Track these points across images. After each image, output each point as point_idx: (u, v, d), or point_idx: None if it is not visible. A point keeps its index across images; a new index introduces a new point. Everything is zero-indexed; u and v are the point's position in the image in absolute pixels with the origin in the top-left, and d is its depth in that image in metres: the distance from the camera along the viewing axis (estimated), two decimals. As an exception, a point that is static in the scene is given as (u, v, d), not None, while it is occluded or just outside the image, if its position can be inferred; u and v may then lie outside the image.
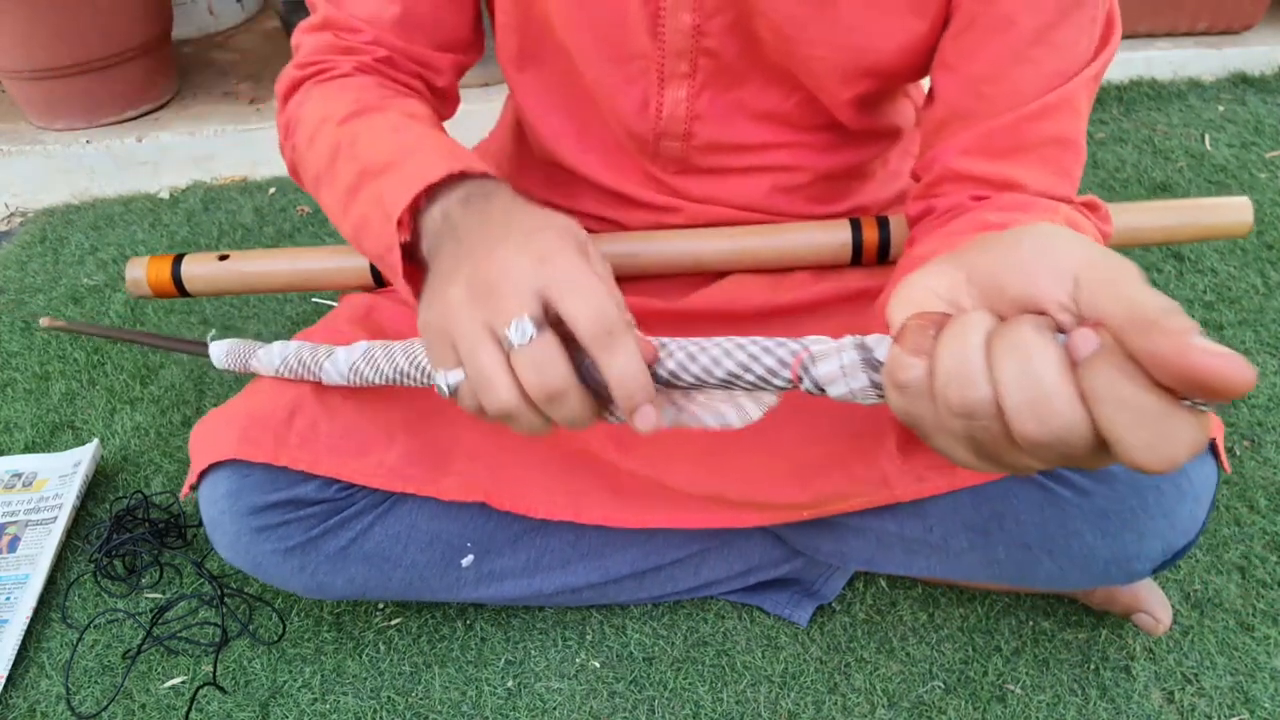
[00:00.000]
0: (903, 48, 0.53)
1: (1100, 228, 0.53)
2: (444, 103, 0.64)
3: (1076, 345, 0.27)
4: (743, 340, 0.37)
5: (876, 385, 0.34)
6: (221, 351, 0.60)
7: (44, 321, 0.64)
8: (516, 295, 0.37)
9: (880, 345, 0.34)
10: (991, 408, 0.28)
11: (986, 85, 0.50)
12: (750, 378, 0.37)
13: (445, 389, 0.39)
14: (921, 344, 0.31)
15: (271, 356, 0.57)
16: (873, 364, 0.34)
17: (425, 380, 0.47)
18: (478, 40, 0.63)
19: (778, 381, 0.37)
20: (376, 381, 0.51)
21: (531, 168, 0.70)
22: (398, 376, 0.49)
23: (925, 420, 0.31)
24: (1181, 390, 0.25)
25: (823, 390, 0.36)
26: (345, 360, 0.53)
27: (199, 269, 0.69)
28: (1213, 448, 0.56)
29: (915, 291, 0.34)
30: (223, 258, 0.69)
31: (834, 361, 0.35)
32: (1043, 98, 0.50)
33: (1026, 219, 0.46)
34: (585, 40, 0.56)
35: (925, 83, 0.59)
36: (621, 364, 0.36)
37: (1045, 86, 0.50)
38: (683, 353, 0.38)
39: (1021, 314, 0.29)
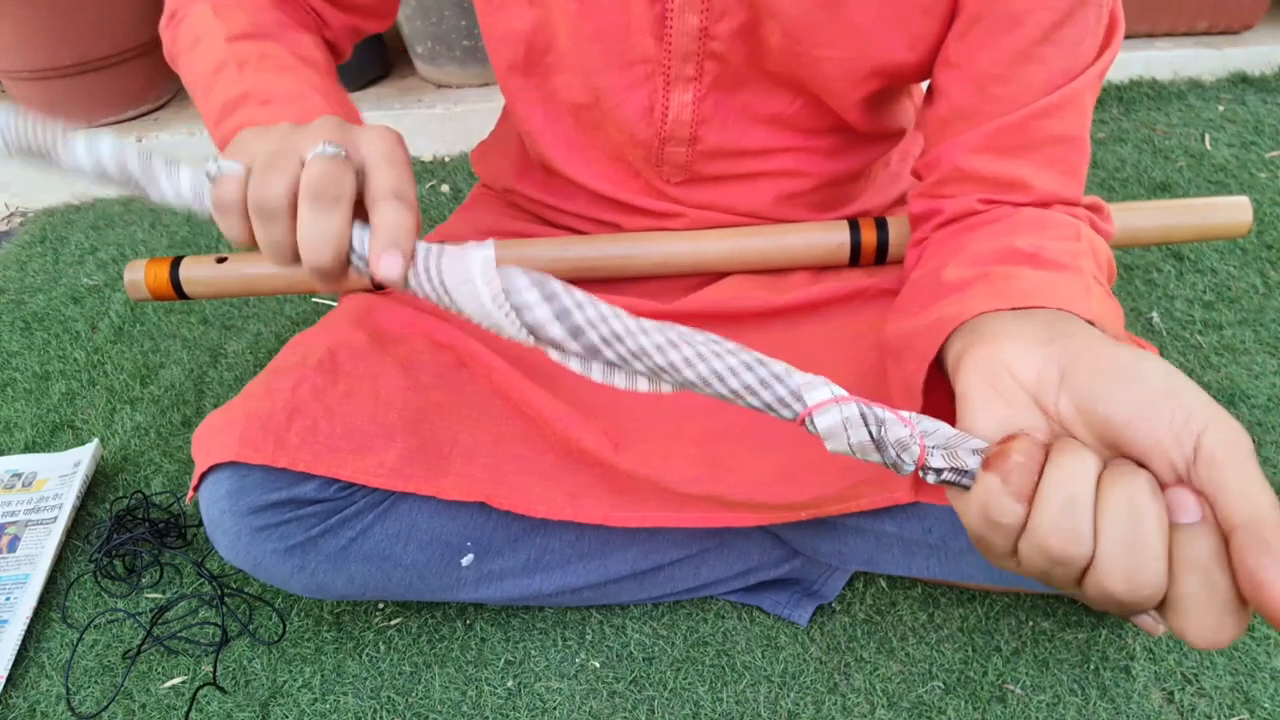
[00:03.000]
0: (914, 47, 0.53)
1: (1103, 228, 0.53)
2: (331, 51, 0.64)
3: (1178, 509, 0.28)
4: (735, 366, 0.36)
5: (877, 445, 0.33)
6: (8, 128, 0.42)
7: None
8: (325, 130, 0.39)
9: (895, 424, 0.33)
10: (1086, 561, 0.28)
11: (993, 84, 0.50)
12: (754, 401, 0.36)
13: (214, 170, 0.39)
14: (1025, 488, 0.30)
15: (99, 150, 0.41)
16: (880, 431, 0.33)
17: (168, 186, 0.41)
18: (385, 11, 0.64)
19: (785, 412, 0.35)
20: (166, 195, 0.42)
21: (531, 170, 0.70)
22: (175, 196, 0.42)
23: (997, 547, 0.31)
24: (1250, 605, 0.26)
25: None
26: (189, 183, 0.42)
27: (197, 271, 0.69)
28: None
29: (996, 370, 0.34)
30: (221, 260, 0.69)
31: (834, 415, 0.34)
32: (1049, 96, 0.50)
33: (1053, 245, 0.46)
34: (590, 46, 0.56)
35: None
36: (391, 212, 0.37)
37: (1052, 85, 0.50)
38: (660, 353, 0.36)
39: (1130, 466, 0.29)
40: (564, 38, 0.57)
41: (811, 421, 0.34)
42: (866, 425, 0.33)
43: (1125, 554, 0.27)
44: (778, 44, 0.53)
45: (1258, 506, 0.27)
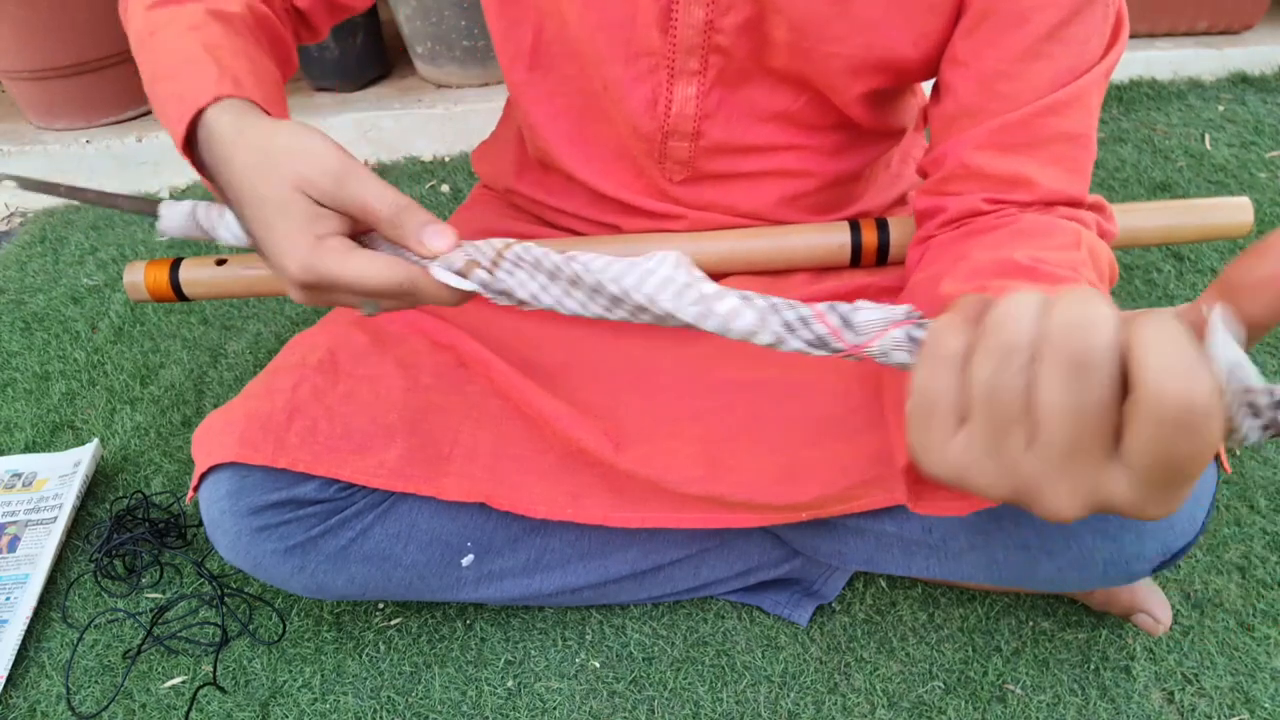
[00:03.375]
0: (918, 44, 0.53)
1: (1106, 229, 0.53)
2: (304, 26, 0.62)
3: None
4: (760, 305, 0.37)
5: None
6: (181, 217, 0.50)
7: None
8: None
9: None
10: (1029, 346, 0.27)
11: (1000, 82, 0.50)
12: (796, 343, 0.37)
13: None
14: (971, 314, 0.30)
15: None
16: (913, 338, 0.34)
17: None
18: None
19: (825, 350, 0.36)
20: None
21: (531, 170, 0.70)
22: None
23: (941, 399, 0.30)
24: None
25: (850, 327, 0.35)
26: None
27: (197, 273, 0.69)
28: None
29: None
30: (220, 262, 0.69)
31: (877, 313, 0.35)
32: (1055, 93, 0.50)
33: (1053, 256, 0.45)
34: (596, 37, 0.56)
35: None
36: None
37: (1058, 82, 0.50)
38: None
39: None
40: (570, 28, 0.57)
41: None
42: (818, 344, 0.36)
43: (1071, 316, 0.26)
44: (783, 39, 0.53)
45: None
